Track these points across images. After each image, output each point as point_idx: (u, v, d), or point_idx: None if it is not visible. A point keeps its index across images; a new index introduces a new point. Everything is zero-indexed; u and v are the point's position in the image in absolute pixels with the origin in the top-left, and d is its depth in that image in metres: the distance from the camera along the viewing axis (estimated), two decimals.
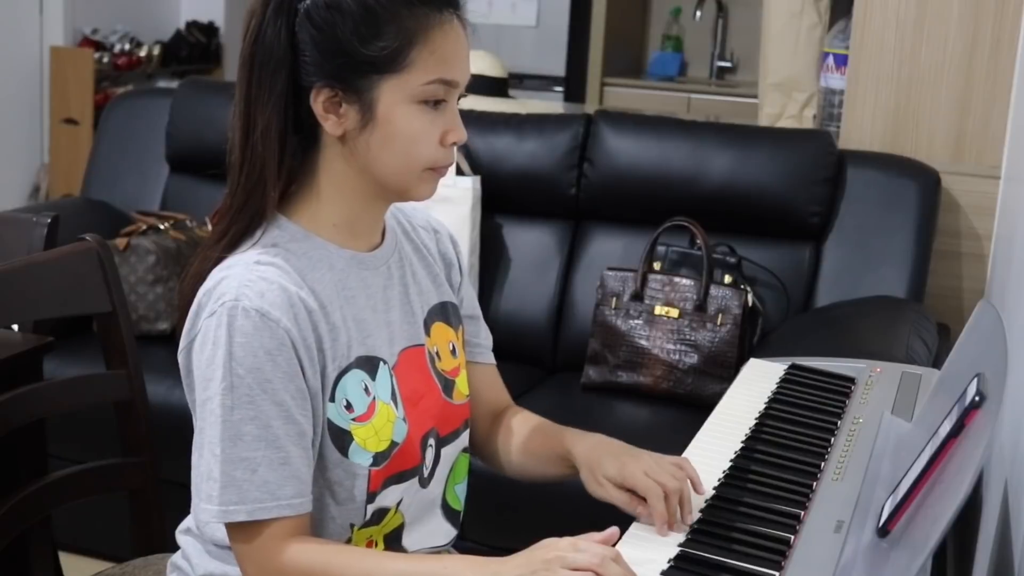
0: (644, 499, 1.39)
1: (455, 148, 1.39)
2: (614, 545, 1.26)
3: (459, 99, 1.38)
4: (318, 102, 1.34)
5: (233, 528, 1.32)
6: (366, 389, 1.38)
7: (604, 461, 1.45)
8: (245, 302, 1.29)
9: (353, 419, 1.37)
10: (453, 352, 1.52)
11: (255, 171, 1.35)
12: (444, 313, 1.52)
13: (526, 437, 1.58)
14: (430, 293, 1.51)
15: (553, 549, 1.22)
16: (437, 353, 1.49)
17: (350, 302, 1.39)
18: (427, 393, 1.46)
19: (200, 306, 1.33)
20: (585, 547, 1.21)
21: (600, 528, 1.27)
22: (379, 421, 1.39)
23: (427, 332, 1.48)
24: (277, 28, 1.33)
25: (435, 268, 1.53)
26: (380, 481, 1.40)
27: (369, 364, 1.39)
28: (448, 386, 1.49)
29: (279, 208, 1.38)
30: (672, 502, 1.38)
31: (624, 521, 1.37)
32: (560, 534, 1.27)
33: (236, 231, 1.37)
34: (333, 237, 1.40)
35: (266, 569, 1.30)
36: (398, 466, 1.41)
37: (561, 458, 1.52)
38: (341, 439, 1.36)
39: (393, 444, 1.40)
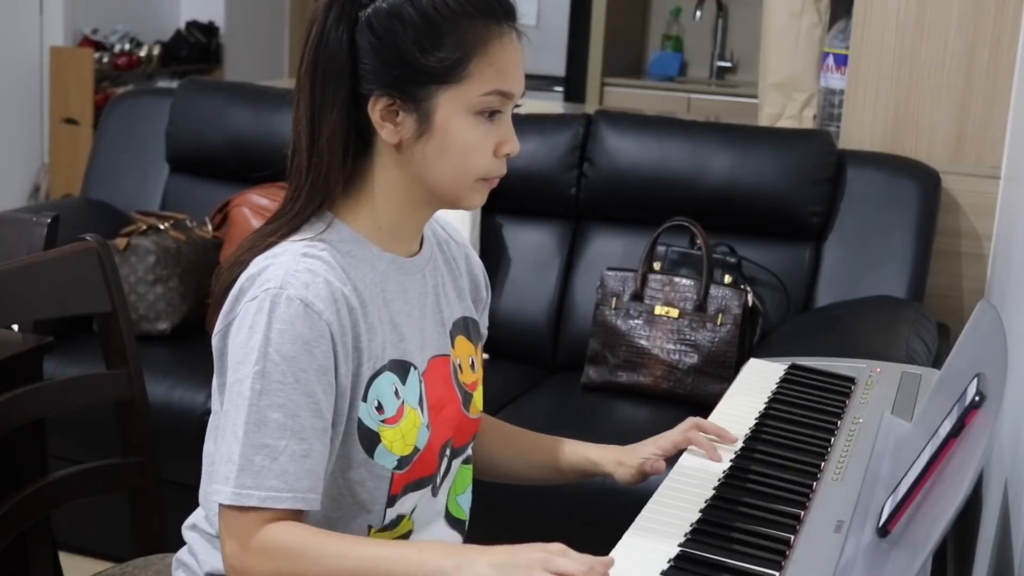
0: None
1: (506, 159, 1.40)
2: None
3: (513, 110, 1.39)
4: (376, 110, 1.34)
5: (228, 507, 1.30)
6: (396, 392, 1.39)
7: (636, 450, 1.59)
8: (290, 290, 1.30)
9: (382, 421, 1.37)
10: (472, 366, 1.53)
11: (320, 177, 1.36)
12: (466, 328, 1.53)
13: (511, 441, 1.66)
14: (455, 306, 1.52)
15: (541, 550, 1.22)
16: (459, 366, 1.50)
17: (388, 305, 1.40)
18: (449, 403, 1.47)
19: (241, 290, 1.34)
20: (576, 555, 1.21)
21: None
22: (406, 425, 1.39)
23: (451, 344, 1.49)
24: (339, 35, 1.33)
25: (461, 282, 1.55)
26: (401, 486, 1.41)
27: (400, 368, 1.40)
28: (467, 399, 1.50)
29: (330, 207, 1.39)
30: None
31: (626, 516, 1.37)
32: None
33: (287, 231, 1.37)
34: (377, 240, 1.41)
35: (245, 545, 1.29)
36: (418, 473, 1.42)
37: (576, 470, 1.62)
38: (369, 439, 1.37)
39: (416, 450, 1.41)
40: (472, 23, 1.33)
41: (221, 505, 1.30)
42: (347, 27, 1.34)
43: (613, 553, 1.28)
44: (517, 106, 1.39)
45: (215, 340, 1.37)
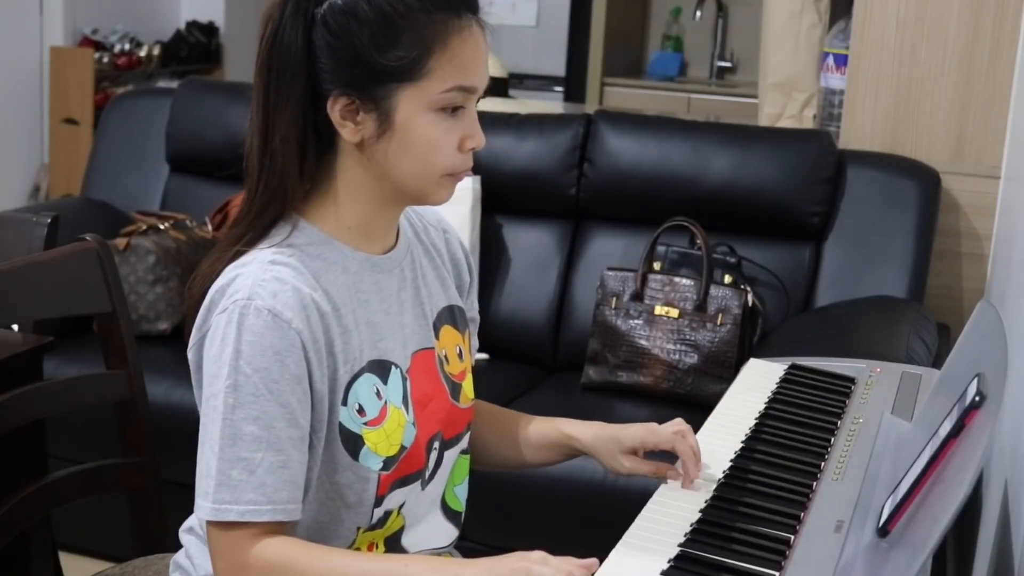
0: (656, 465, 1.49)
1: (472, 153, 1.38)
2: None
3: (477, 102, 1.37)
4: (335, 110, 1.32)
5: (213, 522, 1.30)
6: (377, 393, 1.38)
7: (620, 438, 1.51)
8: (257, 301, 1.28)
9: (365, 423, 1.36)
10: (460, 356, 1.52)
11: (275, 178, 1.34)
12: (451, 317, 1.52)
13: (499, 422, 1.63)
14: (439, 296, 1.50)
15: (522, 559, 1.23)
16: (445, 357, 1.49)
17: (363, 305, 1.38)
18: (435, 397, 1.46)
19: (212, 303, 1.33)
20: (555, 562, 1.21)
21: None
22: (390, 426, 1.38)
23: (436, 335, 1.48)
24: (294, 34, 1.31)
25: (443, 271, 1.53)
26: (388, 485, 1.40)
27: (380, 368, 1.39)
28: (455, 390, 1.49)
29: (296, 209, 1.38)
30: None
31: (626, 516, 1.37)
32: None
33: (252, 236, 1.36)
34: (348, 240, 1.39)
35: (234, 563, 1.29)
36: (404, 470, 1.41)
37: (555, 445, 1.57)
38: (352, 443, 1.36)
39: (402, 448, 1.40)
40: (430, 18, 1.30)
41: (207, 521, 1.31)
42: (303, 25, 1.31)
43: (613, 553, 1.28)
44: (481, 98, 1.37)
45: (190, 354, 1.36)
